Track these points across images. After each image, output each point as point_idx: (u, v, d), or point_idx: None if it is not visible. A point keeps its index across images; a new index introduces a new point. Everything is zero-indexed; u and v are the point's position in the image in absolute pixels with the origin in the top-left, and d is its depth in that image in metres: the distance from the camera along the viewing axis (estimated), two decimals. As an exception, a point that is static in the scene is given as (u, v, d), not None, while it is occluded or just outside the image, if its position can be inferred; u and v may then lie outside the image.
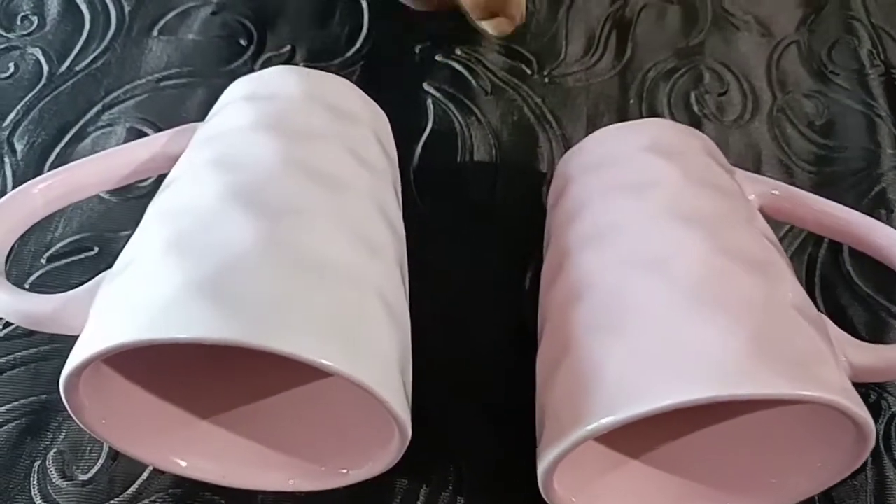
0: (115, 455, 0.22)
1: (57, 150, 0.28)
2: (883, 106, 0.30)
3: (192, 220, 0.18)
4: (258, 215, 0.18)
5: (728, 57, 0.32)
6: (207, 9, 0.32)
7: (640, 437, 0.19)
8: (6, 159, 0.28)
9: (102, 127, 0.29)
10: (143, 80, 0.30)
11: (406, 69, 0.31)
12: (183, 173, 0.20)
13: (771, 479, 0.20)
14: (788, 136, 0.30)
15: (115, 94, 0.30)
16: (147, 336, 0.16)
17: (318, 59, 0.31)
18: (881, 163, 0.29)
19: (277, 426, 0.21)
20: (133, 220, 0.20)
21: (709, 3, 0.33)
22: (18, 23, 0.32)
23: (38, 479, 0.22)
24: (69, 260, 0.26)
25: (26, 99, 0.30)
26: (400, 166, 0.24)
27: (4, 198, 0.21)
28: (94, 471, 0.22)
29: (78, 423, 0.19)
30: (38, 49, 0.31)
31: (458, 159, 0.29)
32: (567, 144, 0.29)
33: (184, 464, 0.21)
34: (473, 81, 0.31)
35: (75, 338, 0.18)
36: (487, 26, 0.30)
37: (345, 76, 0.24)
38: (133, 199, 0.27)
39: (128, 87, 0.30)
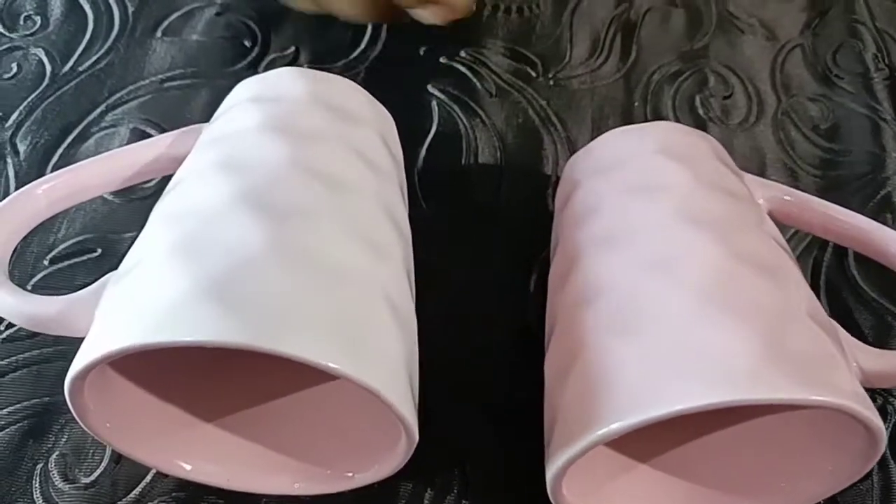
0: (118, 458, 0.22)
1: (60, 150, 0.28)
2: (888, 109, 0.30)
3: (198, 222, 0.18)
4: (264, 217, 0.18)
5: (733, 60, 0.32)
6: (211, 10, 0.32)
7: (649, 440, 0.19)
8: (9, 160, 0.28)
9: (106, 128, 0.29)
10: (147, 81, 0.30)
11: (410, 71, 0.31)
12: (188, 175, 0.20)
13: (781, 483, 0.20)
14: (793, 139, 0.30)
15: (118, 95, 0.30)
16: (154, 339, 0.16)
17: (322, 60, 0.31)
18: (886, 166, 0.29)
19: (282, 429, 0.21)
20: (137, 222, 0.20)
21: (713, 6, 0.33)
22: (21, 23, 0.32)
23: (40, 481, 0.22)
24: (72, 261, 0.26)
25: (29, 99, 0.29)
26: (404, 168, 0.24)
27: (7, 199, 0.21)
28: (96, 474, 0.22)
29: (82, 425, 0.19)
30: (41, 49, 0.31)
31: (463, 161, 0.29)
32: (572, 147, 0.29)
33: (188, 467, 0.21)
34: (478, 84, 0.31)
35: (78, 340, 0.18)
36: (425, 14, 0.28)
37: (349, 78, 0.24)
38: (137, 201, 0.27)
39: (131, 87, 0.30)
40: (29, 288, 0.25)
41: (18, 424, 0.23)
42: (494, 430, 0.23)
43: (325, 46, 0.31)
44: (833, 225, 0.23)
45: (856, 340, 0.19)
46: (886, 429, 0.23)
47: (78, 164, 0.22)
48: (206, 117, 0.23)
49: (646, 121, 0.30)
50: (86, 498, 0.22)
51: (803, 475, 0.20)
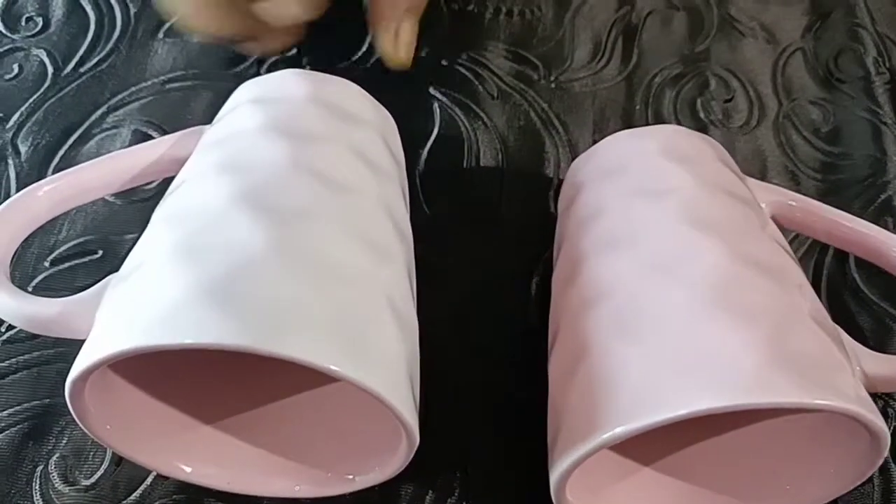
0: (118, 460, 0.22)
1: (61, 152, 0.28)
2: (888, 113, 0.30)
3: (200, 224, 0.18)
4: (266, 219, 0.18)
5: (734, 63, 0.32)
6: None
7: (653, 444, 0.19)
8: (10, 161, 0.28)
9: (107, 129, 0.29)
10: (149, 83, 0.30)
11: (412, 73, 0.31)
12: (190, 177, 0.20)
13: (785, 486, 0.20)
14: (794, 143, 0.30)
15: (120, 97, 0.30)
16: (156, 341, 0.16)
17: (324, 62, 0.31)
18: (887, 170, 0.29)
19: (283, 431, 0.21)
20: (138, 223, 0.20)
21: (715, 9, 0.33)
22: (23, 24, 0.32)
23: (40, 483, 0.22)
24: (73, 263, 0.26)
25: (31, 100, 0.29)
26: (406, 170, 0.24)
27: (9, 200, 0.21)
28: (97, 476, 0.22)
29: (82, 428, 0.19)
30: (42, 50, 0.31)
31: (465, 164, 0.29)
32: (573, 149, 0.29)
33: (188, 469, 0.21)
34: (480, 86, 0.31)
35: (78, 342, 0.18)
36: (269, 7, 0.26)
37: (351, 79, 0.24)
38: (138, 202, 0.27)
39: (133, 89, 0.30)
40: (30, 289, 0.25)
41: (18, 426, 0.23)
42: (495, 432, 0.23)
43: (326, 48, 0.31)
44: (835, 230, 0.23)
45: (859, 345, 0.19)
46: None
47: (79, 165, 0.22)
48: (209, 119, 0.23)
49: (647, 124, 0.30)
50: (86, 500, 0.22)
51: (806, 478, 0.20)
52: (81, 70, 0.30)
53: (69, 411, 0.18)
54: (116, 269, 0.19)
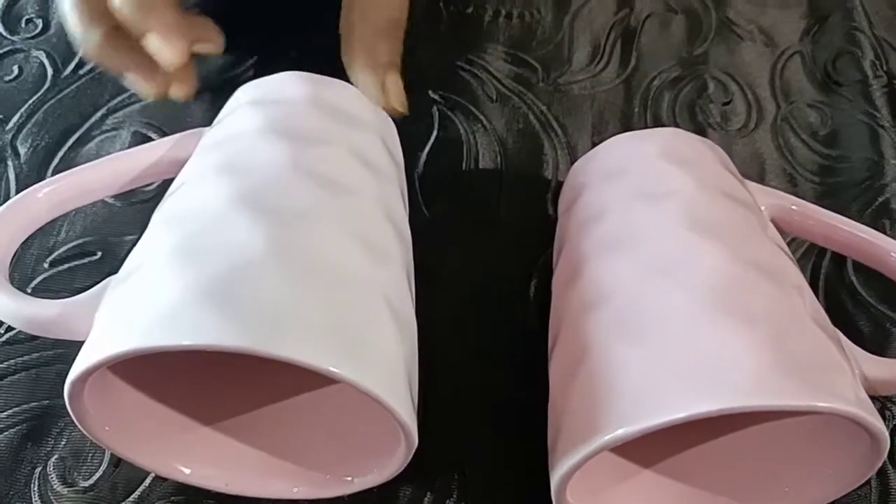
0: (116, 461, 0.22)
1: (61, 153, 0.28)
2: (886, 116, 0.30)
3: (199, 226, 0.18)
4: (265, 221, 0.18)
5: (732, 66, 0.32)
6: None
7: (653, 445, 0.19)
8: (10, 162, 0.28)
9: (107, 131, 0.29)
10: (148, 85, 0.30)
11: (411, 76, 0.31)
12: (189, 178, 0.20)
13: (784, 488, 0.20)
14: (792, 145, 0.30)
15: (119, 98, 0.30)
16: (154, 343, 0.16)
17: (323, 64, 0.31)
18: (885, 173, 0.29)
19: (282, 433, 0.21)
20: (137, 225, 0.20)
21: (713, 12, 0.34)
22: (23, 26, 0.32)
23: (38, 485, 0.22)
24: (72, 264, 0.26)
25: (30, 102, 0.29)
26: (405, 173, 0.24)
27: (9, 202, 0.21)
28: (95, 477, 0.22)
29: (81, 429, 0.19)
30: (42, 52, 0.31)
31: (464, 166, 0.29)
32: (572, 152, 0.29)
33: (187, 471, 0.21)
34: (479, 89, 0.31)
35: (77, 343, 0.18)
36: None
37: (350, 82, 0.24)
38: (137, 204, 0.27)
39: (132, 91, 0.30)
40: (29, 291, 0.25)
41: (17, 428, 0.23)
42: (494, 434, 0.23)
43: (325, 51, 0.31)
44: (833, 234, 0.23)
45: (858, 348, 0.19)
46: (886, 435, 0.23)
47: (79, 167, 0.22)
48: (208, 121, 0.23)
49: (645, 126, 0.30)
50: (84, 501, 0.22)
51: (805, 480, 0.20)
52: (81, 72, 0.30)
53: (68, 412, 0.18)
54: (115, 271, 0.19)
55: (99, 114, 0.29)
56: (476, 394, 0.24)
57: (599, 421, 0.17)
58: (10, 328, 0.24)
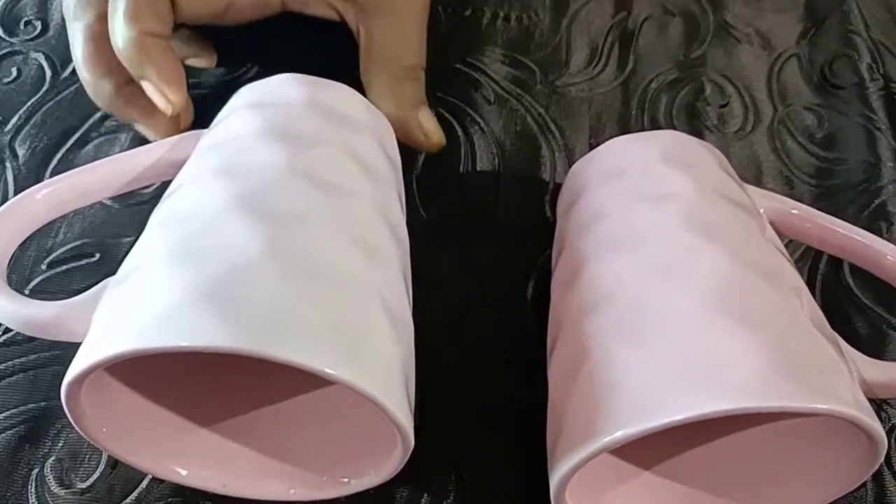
0: (114, 463, 0.22)
1: (59, 155, 0.28)
2: (883, 119, 0.31)
3: (197, 227, 0.18)
4: (262, 223, 0.18)
5: (729, 69, 0.32)
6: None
7: (652, 447, 0.19)
8: (8, 164, 0.28)
9: (105, 133, 0.29)
10: (146, 87, 0.30)
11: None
12: (187, 180, 0.20)
13: (782, 490, 0.20)
14: (789, 148, 0.30)
15: (117, 100, 0.30)
16: (150, 344, 0.16)
17: (322, 66, 0.31)
18: (881, 176, 0.29)
19: (278, 435, 0.21)
20: (135, 226, 0.20)
21: (710, 15, 0.34)
22: (22, 28, 0.32)
23: (35, 486, 0.22)
24: (70, 266, 0.26)
25: (29, 104, 0.30)
26: (403, 174, 0.24)
27: (7, 203, 0.21)
28: (92, 479, 0.22)
29: (78, 430, 0.19)
30: (40, 54, 0.31)
31: (461, 168, 0.29)
32: (569, 154, 0.29)
33: (184, 472, 0.21)
34: (477, 91, 0.31)
35: (75, 345, 0.18)
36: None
37: (347, 84, 0.24)
38: (135, 205, 0.27)
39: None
40: (26, 292, 0.25)
41: (14, 429, 0.23)
42: (491, 435, 0.23)
43: (323, 53, 0.31)
44: (830, 237, 0.23)
45: (856, 351, 0.19)
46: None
47: (77, 169, 0.22)
48: (206, 123, 0.23)
49: (643, 129, 0.30)
50: (82, 503, 0.22)
51: (803, 481, 0.20)
52: (80, 74, 0.30)
53: (65, 414, 0.18)
54: (113, 273, 0.19)
55: (97, 116, 0.29)
56: (473, 395, 0.24)
57: (599, 422, 0.17)
58: (7, 330, 0.24)
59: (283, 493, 0.21)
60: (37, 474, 0.22)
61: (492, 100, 0.31)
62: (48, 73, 0.30)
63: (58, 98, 0.30)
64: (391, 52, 0.26)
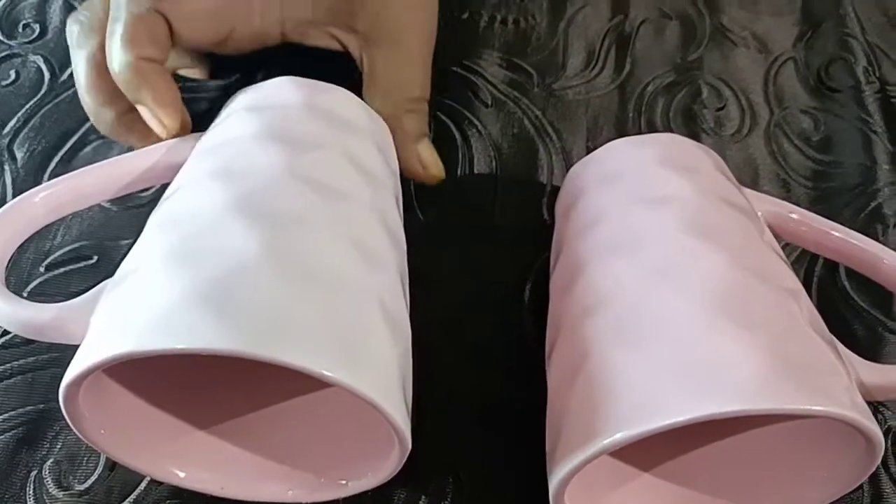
0: (112, 465, 0.22)
1: (57, 158, 0.28)
2: (878, 122, 0.31)
3: (195, 230, 0.18)
4: (259, 225, 0.18)
5: (726, 72, 0.32)
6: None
7: (652, 449, 0.19)
8: (6, 167, 0.28)
9: (103, 136, 0.29)
10: (145, 89, 0.30)
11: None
12: (185, 183, 0.20)
13: (780, 491, 0.21)
14: (785, 151, 0.30)
15: (116, 103, 0.30)
16: (147, 346, 0.16)
17: (321, 70, 0.31)
18: (877, 178, 0.29)
19: (276, 437, 0.21)
20: (133, 229, 0.20)
21: (707, 19, 0.34)
22: (20, 30, 0.32)
23: (34, 489, 0.22)
24: (68, 268, 0.26)
25: (27, 107, 0.30)
26: (400, 177, 0.24)
27: (5, 206, 0.21)
28: (90, 481, 0.22)
29: (76, 433, 0.19)
30: (39, 57, 0.31)
31: (459, 171, 0.29)
32: (566, 157, 0.29)
33: (182, 474, 0.21)
34: (474, 94, 0.31)
35: (73, 347, 0.18)
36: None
37: (345, 87, 0.24)
38: (133, 208, 0.27)
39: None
40: (25, 295, 0.25)
41: (13, 431, 0.23)
42: (488, 437, 0.23)
43: (320, 56, 0.32)
44: (826, 240, 0.23)
45: (853, 353, 0.19)
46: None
47: (76, 172, 0.22)
48: (204, 126, 0.23)
49: (640, 132, 0.30)
50: (79, 505, 0.22)
51: (802, 483, 0.20)
52: (78, 76, 0.30)
53: (63, 416, 0.18)
54: (111, 275, 0.19)
55: (96, 118, 0.29)
56: (472, 396, 0.24)
57: (598, 424, 0.17)
58: (5, 332, 0.24)
59: (282, 494, 0.21)
60: (35, 476, 0.22)
61: (489, 103, 0.31)
62: (46, 75, 0.30)
63: (56, 101, 0.30)
64: (395, 84, 0.26)
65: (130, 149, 0.28)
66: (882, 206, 0.29)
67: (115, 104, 0.24)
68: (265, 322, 0.16)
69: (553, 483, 0.18)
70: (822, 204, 0.28)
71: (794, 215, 0.23)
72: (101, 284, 0.19)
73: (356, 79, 0.27)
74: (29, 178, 0.28)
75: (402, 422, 0.18)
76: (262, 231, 0.18)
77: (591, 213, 0.22)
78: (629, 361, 0.18)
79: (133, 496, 0.22)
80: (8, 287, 0.19)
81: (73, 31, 0.25)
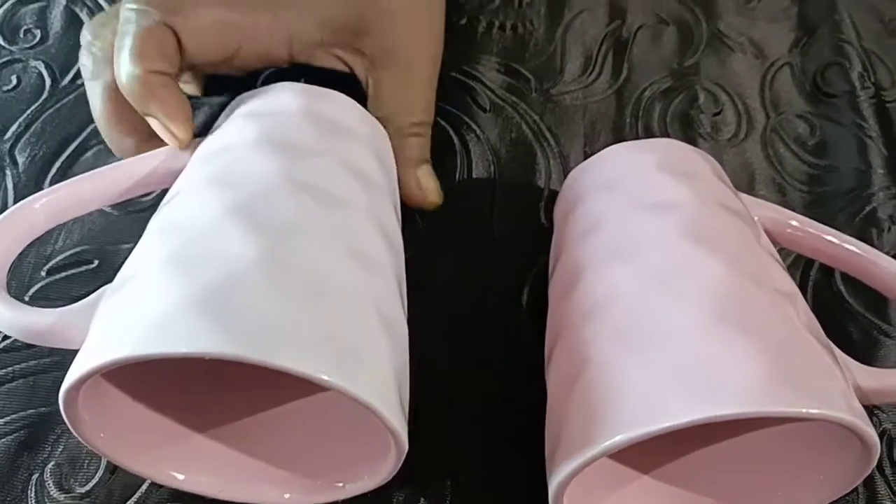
0: (112, 468, 0.22)
1: (58, 163, 0.29)
2: (873, 127, 0.31)
3: (193, 235, 0.18)
4: (257, 232, 0.18)
5: (723, 77, 0.32)
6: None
7: (650, 452, 0.19)
8: (8, 172, 0.28)
9: (104, 141, 0.29)
10: (145, 95, 0.30)
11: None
12: (183, 189, 0.21)
13: (777, 493, 0.21)
14: (781, 155, 0.30)
15: (116, 108, 0.30)
16: (147, 350, 0.16)
17: (317, 76, 0.31)
18: (872, 183, 0.29)
19: (274, 440, 0.21)
20: (134, 234, 0.20)
21: (704, 24, 0.34)
22: (21, 36, 0.32)
23: (35, 492, 0.22)
24: (69, 273, 0.26)
25: (28, 112, 0.30)
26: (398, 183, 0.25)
27: (6, 212, 0.21)
28: (91, 484, 0.22)
29: (76, 436, 0.19)
30: (40, 62, 0.31)
31: (457, 176, 0.29)
32: (564, 162, 0.29)
33: (181, 477, 0.21)
34: (472, 99, 0.31)
35: (74, 351, 0.18)
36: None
37: (344, 93, 0.24)
38: (134, 213, 0.27)
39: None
40: (26, 299, 0.25)
41: (14, 435, 0.23)
42: (487, 441, 0.23)
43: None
44: (822, 246, 0.23)
45: (849, 358, 0.20)
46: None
47: (76, 177, 0.22)
48: (203, 132, 0.24)
49: (637, 137, 0.30)
50: (80, 508, 0.22)
51: (799, 485, 0.20)
52: (79, 82, 0.31)
53: (64, 420, 0.18)
54: (112, 279, 0.19)
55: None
56: (470, 399, 0.24)
57: (598, 427, 0.17)
58: (6, 336, 0.25)
59: (279, 497, 0.21)
60: (36, 479, 0.22)
61: (487, 108, 0.31)
62: (48, 81, 0.31)
63: (57, 106, 0.30)
64: (399, 107, 0.26)
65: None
66: (877, 210, 0.29)
67: (136, 134, 0.24)
68: (263, 326, 0.16)
69: (552, 485, 0.18)
70: (818, 208, 0.29)
71: (790, 220, 0.23)
72: (100, 289, 0.19)
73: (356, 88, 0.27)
74: (30, 183, 0.28)
75: (399, 425, 0.18)
76: (259, 237, 0.18)
77: (590, 218, 0.22)
78: (628, 365, 0.18)
79: (133, 499, 0.22)
80: (9, 291, 0.19)
81: (86, 64, 0.25)
